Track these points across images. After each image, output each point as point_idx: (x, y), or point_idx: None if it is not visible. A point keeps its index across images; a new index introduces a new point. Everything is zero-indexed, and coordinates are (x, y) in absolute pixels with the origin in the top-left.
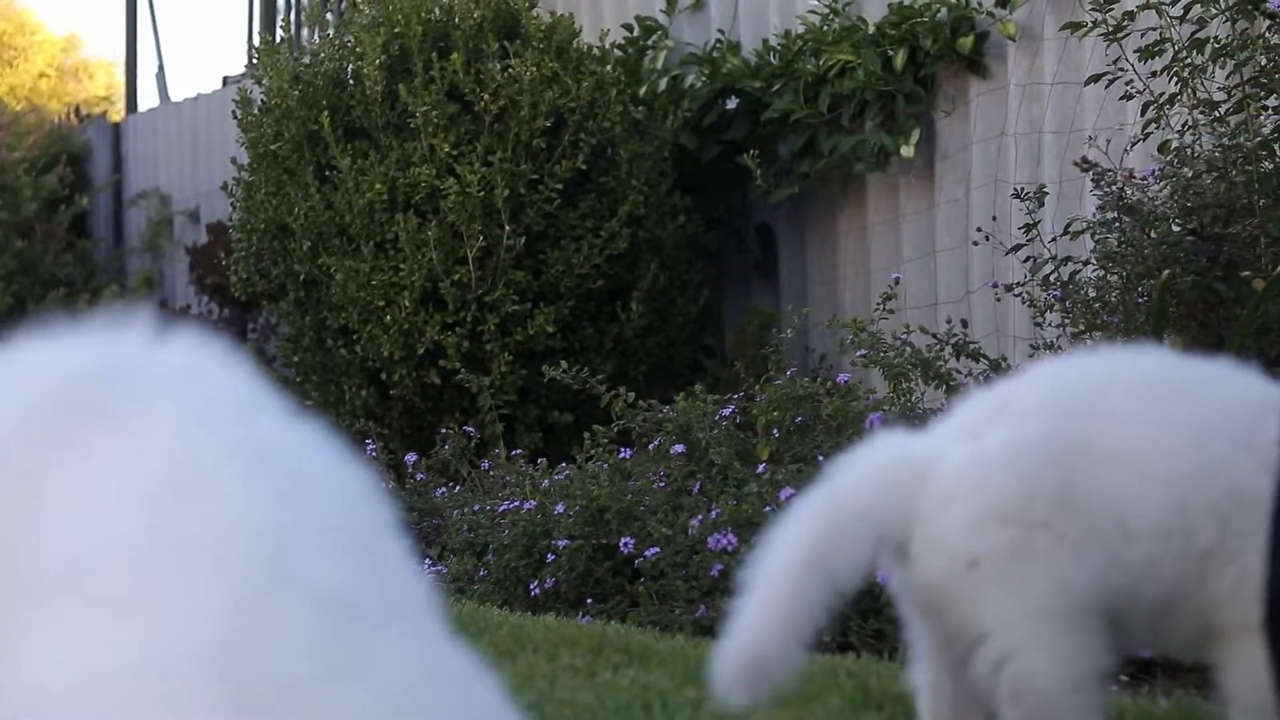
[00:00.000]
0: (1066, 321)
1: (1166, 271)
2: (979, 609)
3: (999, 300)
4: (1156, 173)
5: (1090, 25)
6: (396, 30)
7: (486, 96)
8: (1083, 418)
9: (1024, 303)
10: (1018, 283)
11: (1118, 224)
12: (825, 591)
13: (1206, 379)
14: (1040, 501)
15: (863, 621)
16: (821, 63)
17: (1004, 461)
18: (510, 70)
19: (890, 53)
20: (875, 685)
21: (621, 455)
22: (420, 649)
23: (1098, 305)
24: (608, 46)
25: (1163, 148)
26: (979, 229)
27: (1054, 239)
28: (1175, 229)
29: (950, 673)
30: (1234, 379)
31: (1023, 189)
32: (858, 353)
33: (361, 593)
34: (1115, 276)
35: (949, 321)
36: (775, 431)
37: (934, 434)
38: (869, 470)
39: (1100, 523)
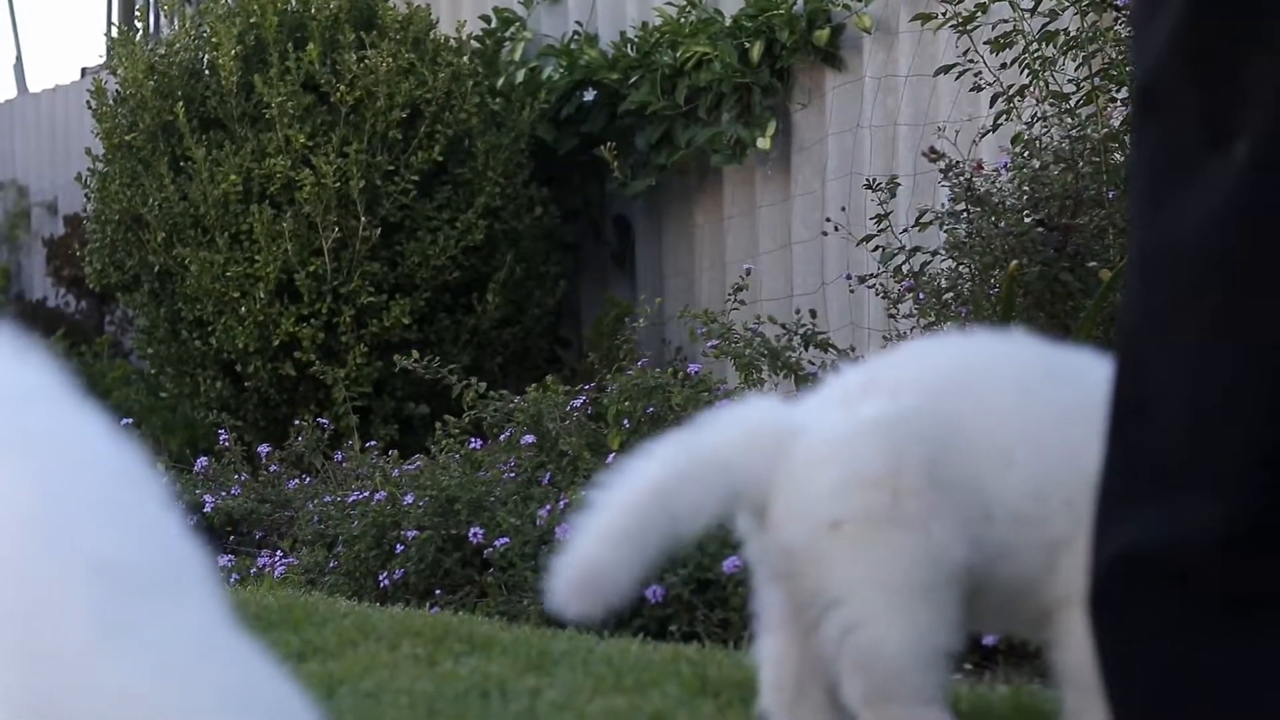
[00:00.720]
0: (916, 312)
1: (1014, 262)
2: (834, 574)
3: (853, 292)
4: (1008, 165)
5: (941, 18)
6: (252, 21)
7: (342, 88)
8: (954, 397)
9: (878, 294)
10: (871, 274)
11: (965, 215)
12: (666, 526)
13: (1070, 367)
14: (909, 471)
15: (709, 611)
16: (678, 55)
17: (877, 429)
18: (366, 61)
19: (747, 45)
20: (714, 673)
21: (472, 446)
22: (198, 620)
23: (949, 296)
24: (465, 38)
25: (1016, 139)
26: (828, 219)
27: (905, 230)
28: (1026, 220)
29: (796, 645)
30: (1097, 368)
31: (875, 180)
32: (709, 344)
33: (138, 563)
34: (966, 267)
35: (798, 312)
36: (626, 422)
37: (803, 404)
38: (737, 427)
39: (965, 502)
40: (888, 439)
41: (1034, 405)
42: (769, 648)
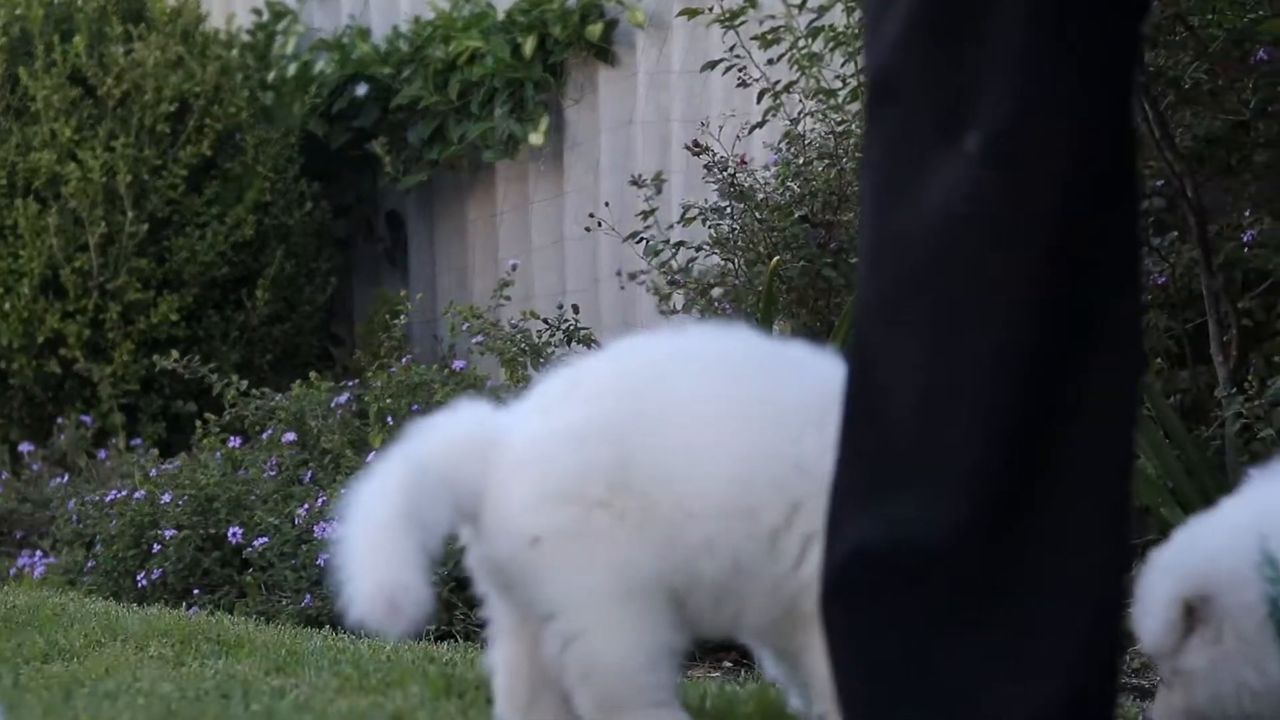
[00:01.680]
0: (681, 309)
1: (776, 258)
2: (544, 589)
3: (623, 289)
4: (776, 161)
5: (709, 14)
6: (17, 11)
7: (110, 81)
8: (646, 396)
9: (648, 290)
10: (642, 271)
11: (729, 210)
12: (424, 539)
13: (781, 360)
14: (598, 481)
15: (468, 610)
16: (451, 49)
17: (565, 440)
18: (134, 54)
19: (519, 40)
20: (461, 673)
21: (232, 444)
22: None
23: (717, 291)
24: (235, 31)
25: (787, 136)
26: (591, 215)
27: (671, 226)
28: (795, 216)
29: (527, 653)
30: (808, 360)
31: (642, 176)
32: (474, 339)
33: None
34: (731, 263)
35: (560, 308)
36: (390, 419)
37: (514, 408)
38: (447, 437)
39: (659, 501)
40: (577, 449)
41: (736, 396)
42: (501, 654)
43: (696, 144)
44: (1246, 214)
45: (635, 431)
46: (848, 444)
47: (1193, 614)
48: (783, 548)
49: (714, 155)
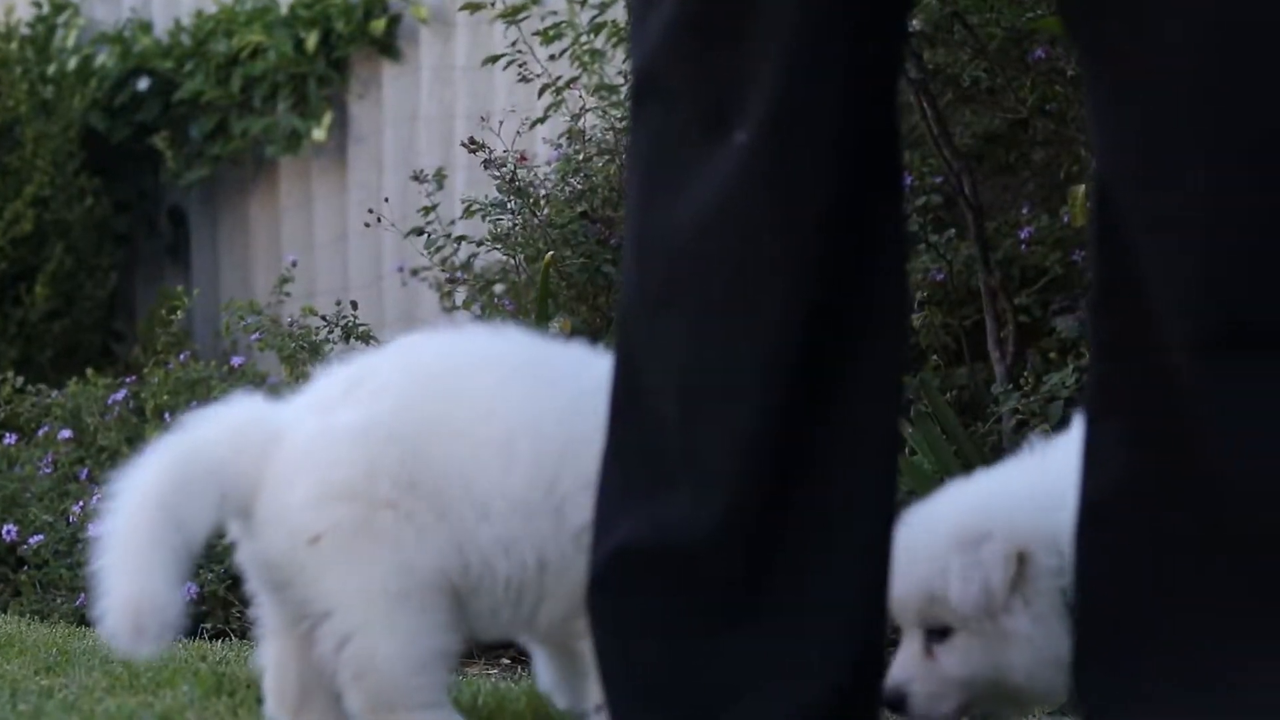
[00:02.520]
0: (463, 305)
1: (550, 254)
2: (320, 587)
3: (405, 285)
4: (559, 157)
5: (496, 10)
6: None
7: None
8: (435, 395)
9: (431, 287)
10: (424, 267)
11: (510, 206)
12: (180, 536)
13: (563, 360)
14: (384, 480)
15: (243, 608)
16: (233, 43)
17: (350, 438)
18: None
19: (303, 35)
20: (233, 671)
21: (8, 441)
22: None
23: (499, 288)
24: (14, 23)
25: (569, 132)
26: (370, 210)
27: (452, 222)
28: (575, 212)
29: (296, 652)
30: (590, 359)
31: (424, 172)
32: (252, 336)
33: None
34: (512, 259)
35: (338, 304)
36: (168, 416)
37: (292, 403)
38: (222, 428)
39: (451, 501)
40: (362, 447)
41: (528, 395)
42: (271, 654)
43: (474, 141)
44: (1024, 211)
45: (425, 430)
46: (614, 441)
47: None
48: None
49: (491, 152)
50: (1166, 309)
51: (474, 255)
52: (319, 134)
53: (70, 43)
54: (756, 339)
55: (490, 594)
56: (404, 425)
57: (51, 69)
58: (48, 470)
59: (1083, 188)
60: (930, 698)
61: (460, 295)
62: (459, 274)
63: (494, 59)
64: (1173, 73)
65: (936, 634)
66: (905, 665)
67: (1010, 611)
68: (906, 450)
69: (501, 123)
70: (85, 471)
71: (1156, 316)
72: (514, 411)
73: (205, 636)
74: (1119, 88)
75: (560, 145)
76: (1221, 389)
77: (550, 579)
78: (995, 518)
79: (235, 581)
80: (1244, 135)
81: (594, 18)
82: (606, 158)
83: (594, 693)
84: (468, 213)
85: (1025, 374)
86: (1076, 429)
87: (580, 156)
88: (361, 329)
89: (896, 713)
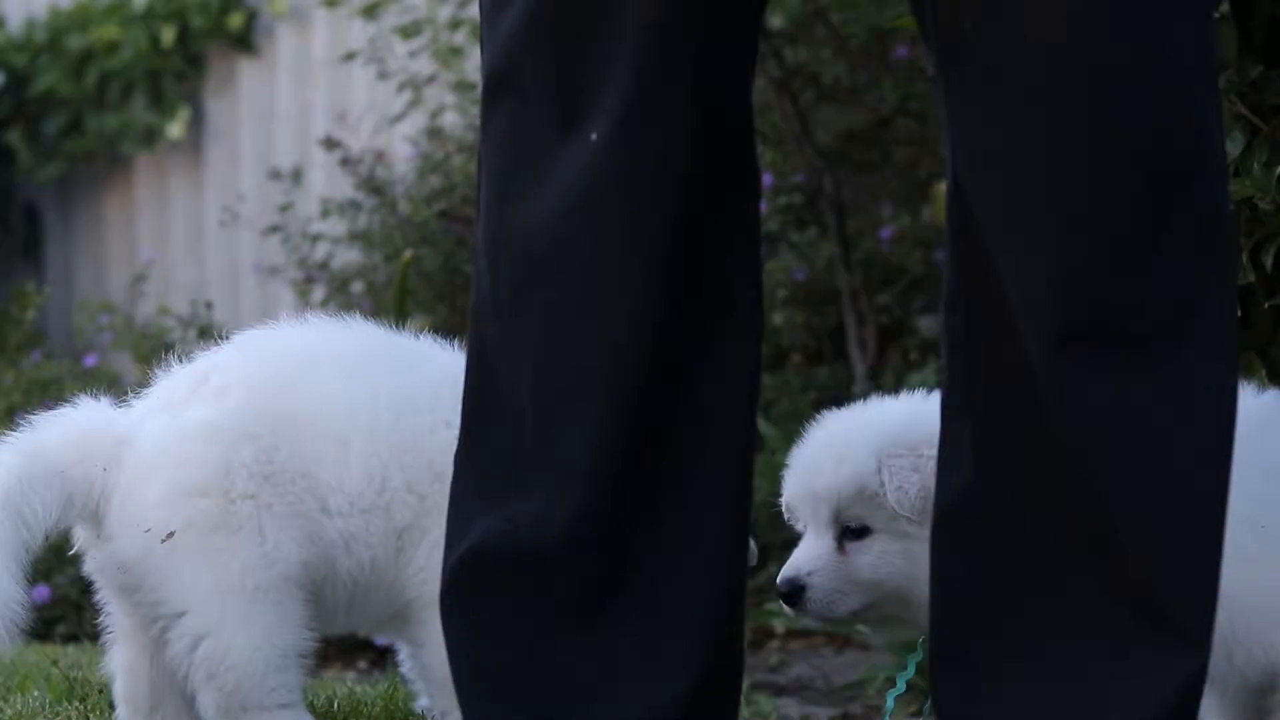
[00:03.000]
0: (321, 303)
1: (409, 253)
2: (174, 586)
3: (263, 284)
4: (420, 154)
5: (355, 5)
6: None
7: None
8: (283, 390)
9: (288, 285)
10: (282, 265)
11: (367, 204)
12: (24, 535)
13: (408, 353)
14: (241, 474)
15: (97, 613)
16: (88, 39)
17: (202, 434)
18: None
19: (159, 30)
20: (85, 675)
21: None
22: None
23: (357, 286)
24: None
25: (430, 131)
26: (226, 208)
27: (311, 220)
28: (434, 210)
29: (148, 658)
30: (436, 354)
31: (281, 169)
32: (105, 336)
33: None
34: (369, 258)
35: (192, 303)
36: (20, 416)
37: (137, 406)
38: (68, 431)
39: (301, 497)
40: (214, 443)
41: (367, 391)
42: (121, 659)
43: (331, 139)
44: (885, 211)
45: (276, 425)
46: (468, 442)
47: None
48: (408, 545)
49: (348, 150)
50: (1020, 307)
51: (330, 254)
52: (175, 131)
53: None
54: (609, 337)
55: (333, 590)
56: (253, 419)
57: None
58: None
59: (945, 185)
60: (830, 594)
61: (318, 293)
62: (317, 272)
63: (352, 55)
64: (1025, 73)
65: (852, 533)
66: (810, 558)
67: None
68: (768, 450)
69: (360, 120)
70: None
71: (1010, 315)
72: (350, 407)
73: (58, 640)
74: (972, 87)
75: (419, 143)
76: (1074, 387)
77: (376, 577)
78: (930, 432)
79: (88, 586)
80: (1095, 135)
81: (453, 14)
82: (466, 156)
83: (438, 698)
84: (325, 212)
85: (886, 374)
86: None
87: (439, 154)
88: (218, 328)
89: (790, 605)
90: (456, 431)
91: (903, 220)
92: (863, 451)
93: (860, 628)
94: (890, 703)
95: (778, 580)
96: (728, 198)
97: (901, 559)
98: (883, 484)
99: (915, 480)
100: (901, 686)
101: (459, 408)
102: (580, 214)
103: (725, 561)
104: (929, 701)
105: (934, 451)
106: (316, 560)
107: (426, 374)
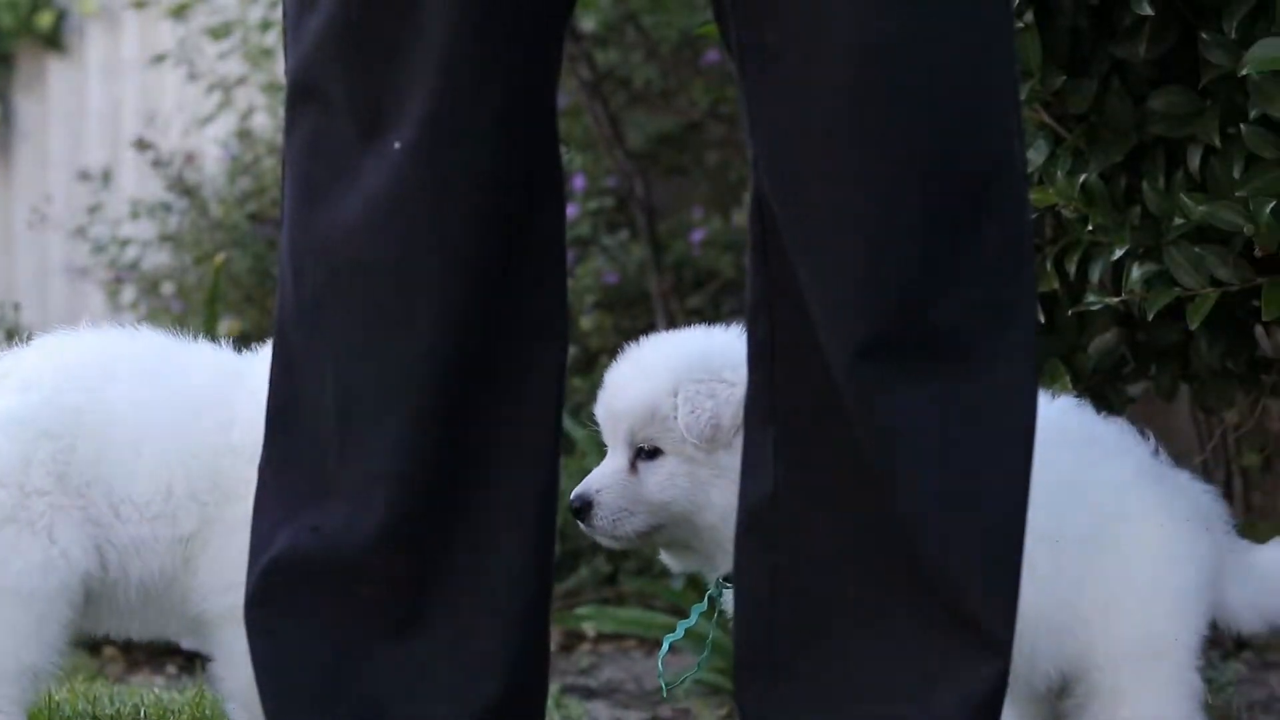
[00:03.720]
0: (131, 305)
1: (221, 255)
2: None
3: (73, 285)
4: (231, 156)
5: (164, 6)
6: None
7: None
8: (82, 393)
9: (98, 287)
10: (92, 267)
11: (177, 206)
12: None
13: (195, 361)
14: (38, 471)
15: None
16: None
17: (3, 427)
18: None
19: None
20: None
21: None
22: None
23: (168, 288)
24: None
25: (240, 133)
26: (34, 209)
27: (121, 222)
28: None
29: None
30: (221, 361)
31: (90, 170)
32: None
33: None
34: (179, 260)
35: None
36: None
37: None
38: None
39: (95, 501)
40: (14, 438)
41: (156, 398)
42: None
43: (142, 141)
44: (696, 214)
45: (75, 428)
46: (272, 450)
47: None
48: (194, 554)
49: (158, 151)
50: (822, 315)
51: (140, 256)
52: None
53: None
54: (415, 342)
55: (127, 594)
56: (54, 419)
57: None
58: None
59: None
60: (617, 511)
61: (128, 295)
62: (127, 274)
63: (162, 58)
64: (827, 83)
65: (645, 453)
66: (602, 476)
67: (731, 450)
68: (578, 453)
69: (169, 122)
70: None
71: (812, 322)
72: (143, 413)
73: None
74: (773, 96)
75: (229, 145)
76: (875, 394)
77: (164, 585)
78: (736, 362)
79: None
80: (897, 145)
81: (263, 15)
82: (276, 158)
83: (236, 712)
84: (135, 214)
85: None
86: None
87: (249, 156)
88: (26, 330)
89: (580, 520)
90: (239, 439)
91: (714, 224)
92: (663, 374)
93: (664, 559)
94: (665, 647)
95: (570, 496)
96: (533, 201)
97: (688, 482)
98: (675, 407)
99: (709, 407)
100: (680, 633)
101: (246, 415)
102: (385, 219)
103: (532, 565)
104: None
105: (736, 379)
106: (105, 568)
107: (210, 380)
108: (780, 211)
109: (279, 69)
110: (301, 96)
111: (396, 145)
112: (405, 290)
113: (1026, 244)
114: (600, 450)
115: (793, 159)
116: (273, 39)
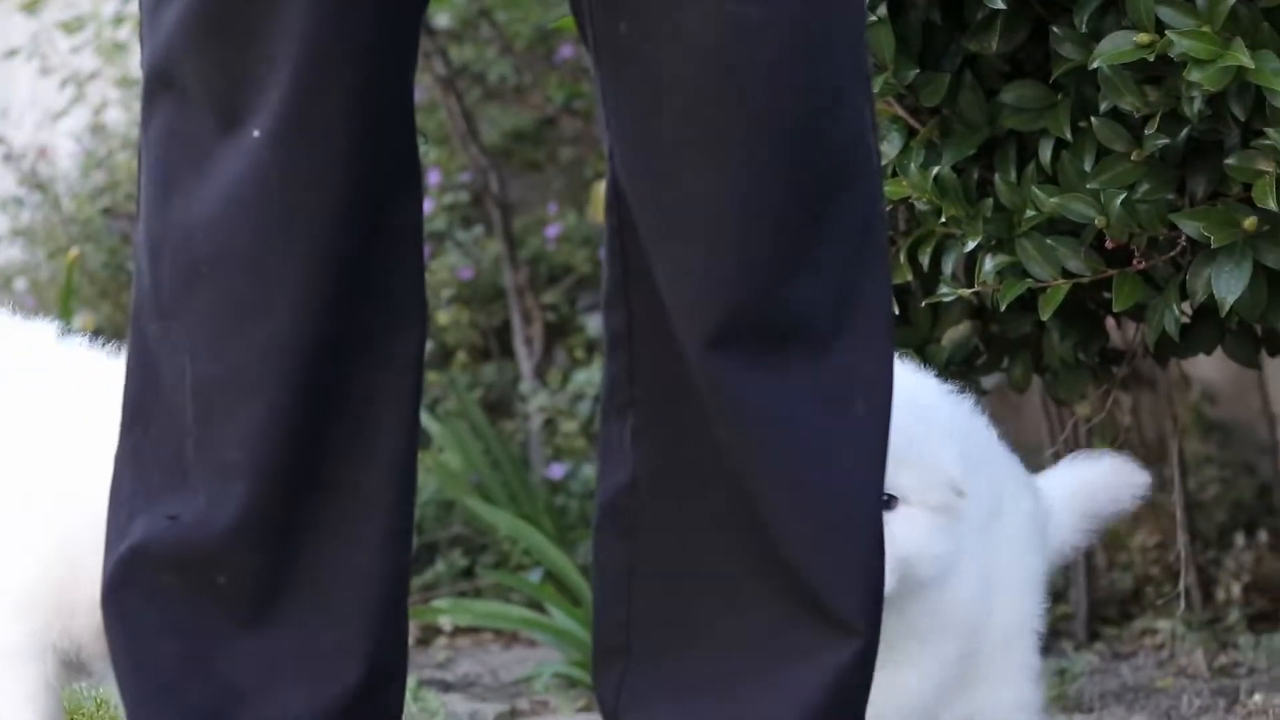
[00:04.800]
0: None
1: (75, 250)
2: None
3: None
4: (84, 151)
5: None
6: None
7: None
8: None
9: None
10: None
11: (29, 201)
12: None
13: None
14: None
15: None
16: None
17: None
18: None
19: None
20: None
21: None
22: None
23: (20, 284)
24: None
25: (93, 128)
26: None
27: None
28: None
29: None
30: (99, 361)
31: None
32: None
33: None
34: (31, 255)
35: None
36: None
37: None
38: None
39: None
40: None
41: (32, 404)
42: None
43: None
44: (551, 209)
45: None
46: (129, 440)
47: None
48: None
49: (10, 146)
50: (676, 306)
51: None
52: None
53: None
54: (270, 334)
55: None
56: None
57: None
58: None
59: (603, 184)
60: None
61: None
62: None
63: (14, 53)
64: (679, 76)
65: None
66: None
67: None
68: (435, 447)
69: (23, 116)
70: None
71: (666, 313)
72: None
73: None
74: (628, 89)
75: (82, 140)
76: (729, 385)
77: None
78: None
79: None
80: (750, 137)
81: (117, 10)
82: (129, 152)
83: None
84: None
85: (553, 371)
86: None
87: (103, 151)
88: None
89: None
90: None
91: (568, 219)
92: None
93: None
94: None
95: None
96: (390, 194)
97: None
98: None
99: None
100: None
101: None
102: (241, 211)
103: (390, 558)
104: None
105: None
106: None
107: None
108: (634, 202)
109: (133, 63)
110: (158, 87)
111: (255, 134)
112: (264, 280)
113: (880, 233)
114: (453, 444)
115: (645, 149)
116: (126, 33)
